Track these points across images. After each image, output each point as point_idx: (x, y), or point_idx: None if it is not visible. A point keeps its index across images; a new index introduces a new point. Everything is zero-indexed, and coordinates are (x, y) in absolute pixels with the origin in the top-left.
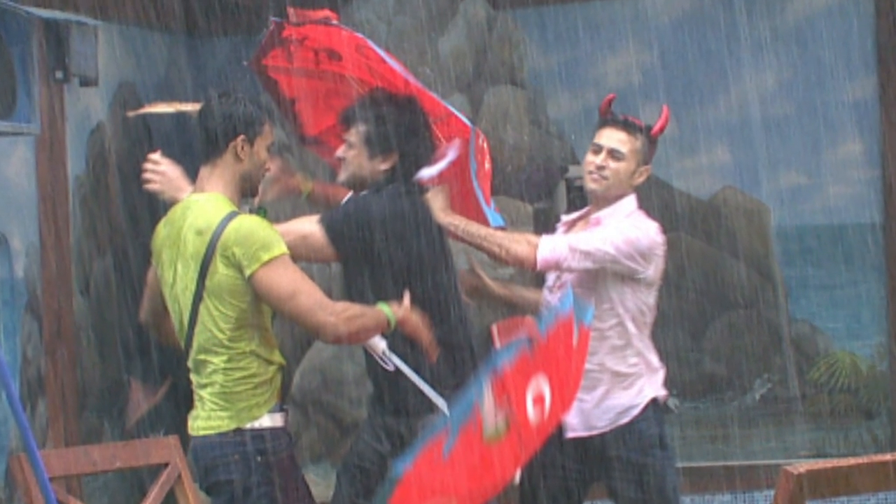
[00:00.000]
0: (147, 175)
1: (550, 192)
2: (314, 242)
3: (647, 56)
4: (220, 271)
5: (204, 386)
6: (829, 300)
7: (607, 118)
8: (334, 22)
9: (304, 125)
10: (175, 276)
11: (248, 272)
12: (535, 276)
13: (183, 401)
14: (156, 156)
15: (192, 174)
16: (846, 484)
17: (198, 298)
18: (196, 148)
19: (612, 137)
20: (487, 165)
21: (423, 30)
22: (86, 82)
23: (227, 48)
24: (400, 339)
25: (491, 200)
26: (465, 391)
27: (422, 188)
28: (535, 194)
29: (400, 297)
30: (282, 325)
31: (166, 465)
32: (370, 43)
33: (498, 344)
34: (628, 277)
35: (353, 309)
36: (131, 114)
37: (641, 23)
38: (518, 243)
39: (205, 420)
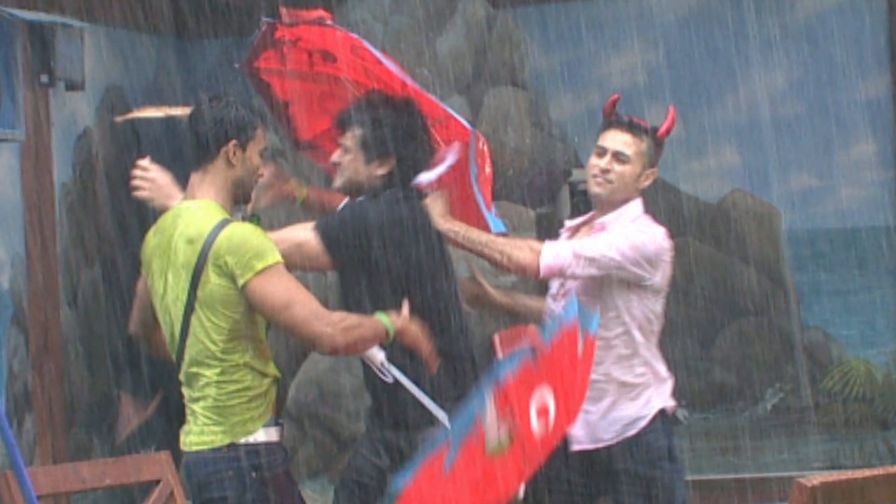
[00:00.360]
0: (136, 182)
1: (553, 197)
2: (309, 250)
3: (652, 55)
4: (213, 281)
5: (196, 400)
6: (842, 306)
7: (612, 120)
8: (328, 22)
9: (298, 129)
10: (166, 287)
11: (241, 282)
12: (538, 284)
13: (175, 415)
14: (145, 162)
15: (183, 180)
16: (861, 496)
17: (189, 309)
18: (186, 153)
19: (616, 140)
20: (488, 169)
21: (421, 30)
22: (72, 86)
23: (218, 50)
24: (399, 349)
25: (492, 205)
26: (467, 403)
27: (420, 193)
28: (538, 199)
29: (398, 307)
30: (276, 336)
31: (158, 481)
32: (366, 44)
33: (500, 354)
34: (634, 284)
35: (351, 319)
36: (119, 118)
37: (646, 21)
38: (520, 250)
39: (198, 435)
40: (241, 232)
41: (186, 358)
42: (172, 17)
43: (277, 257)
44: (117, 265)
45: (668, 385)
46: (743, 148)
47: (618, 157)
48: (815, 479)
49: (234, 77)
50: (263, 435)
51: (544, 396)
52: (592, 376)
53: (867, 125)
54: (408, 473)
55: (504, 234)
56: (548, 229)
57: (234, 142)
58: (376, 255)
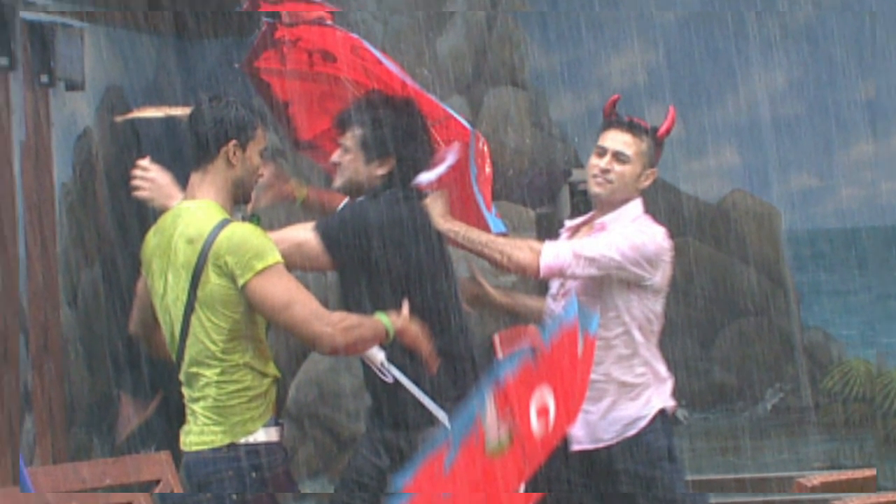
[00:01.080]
0: (136, 182)
1: (553, 197)
2: (309, 250)
3: (652, 55)
4: (213, 281)
5: (196, 400)
6: (842, 306)
7: (612, 120)
8: (329, 22)
9: (298, 129)
10: (166, 287)
11: (241, 282)
12: (538, 284)
13: (175, 415)
14: (145, 162)
15: (183, 180)
16: None
17: (189, 309)
18: (186, 153)
19: (616, 140)
20: (488, 169)
21: (421, 30)
22: (72, 86)
23: (218, 50)
24: (399, 349)
25: (492, 205)
26: (467, 403)
27: (420, 193)
28: (538, 199)
29: (398, 307)
30: (276, 336)
31: (158, 481)
32: (366, 44)
33: (500, 354)
34: (634, 284)
35: (350, 319)
36: (119, 118)
37: (646, 21)
38: (520, 250)
39: (197, 435)
40: (241, 232)
41: (186, 358)
42: (172, 17)
43: (277, 257)
44: (117, 265)
45: (668, 385)
46: (743, 148)
47: (618, 157)
48: (815, 478)
49: (234, 77)
50: (263, 435)
51: (544, 396)
52: (592, 376)
53: (867, 125)
54: (408, 473)
55: (504, 234)
56: (548, 229)
57: (233, 142)
58: (376, 255)
